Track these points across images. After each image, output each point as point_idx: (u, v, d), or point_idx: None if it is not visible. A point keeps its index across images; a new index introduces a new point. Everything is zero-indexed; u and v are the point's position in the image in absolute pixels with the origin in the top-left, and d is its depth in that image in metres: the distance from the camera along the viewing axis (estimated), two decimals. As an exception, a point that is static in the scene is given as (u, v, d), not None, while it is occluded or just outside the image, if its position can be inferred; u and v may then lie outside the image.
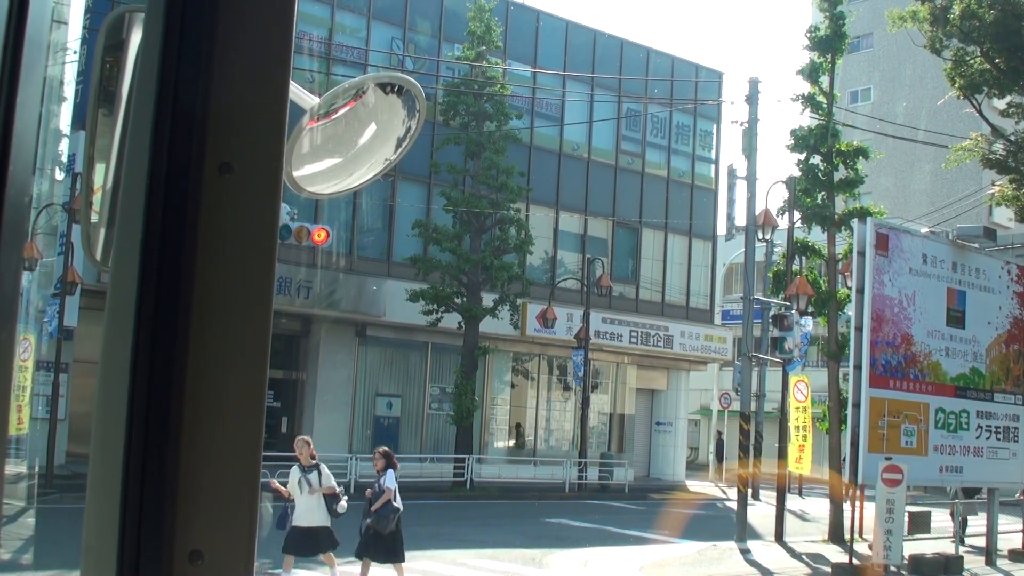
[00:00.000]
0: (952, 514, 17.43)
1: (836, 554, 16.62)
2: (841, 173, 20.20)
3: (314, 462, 11.05)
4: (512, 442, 31.26)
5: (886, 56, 47.92)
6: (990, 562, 16.38)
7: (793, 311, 19.86)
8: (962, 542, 17.34)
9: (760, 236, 20.52)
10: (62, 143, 27.29)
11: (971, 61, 21.07)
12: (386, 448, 11.72)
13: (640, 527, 19.75)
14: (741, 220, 21.69)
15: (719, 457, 37.69)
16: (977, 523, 18.90)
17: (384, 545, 11.05)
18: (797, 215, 20.38)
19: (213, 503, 1.06)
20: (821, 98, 20.23)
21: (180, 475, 1.05)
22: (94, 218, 1.29)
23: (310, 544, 11.12)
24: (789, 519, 20.59)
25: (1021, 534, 18.23)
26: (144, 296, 1.06)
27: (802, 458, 24.01)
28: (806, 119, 21.38)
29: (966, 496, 17.93)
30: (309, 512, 10.82)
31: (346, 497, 11.25)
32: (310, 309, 26.15)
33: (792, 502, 24.86)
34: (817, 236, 21.28)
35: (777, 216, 20.61)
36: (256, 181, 1.11)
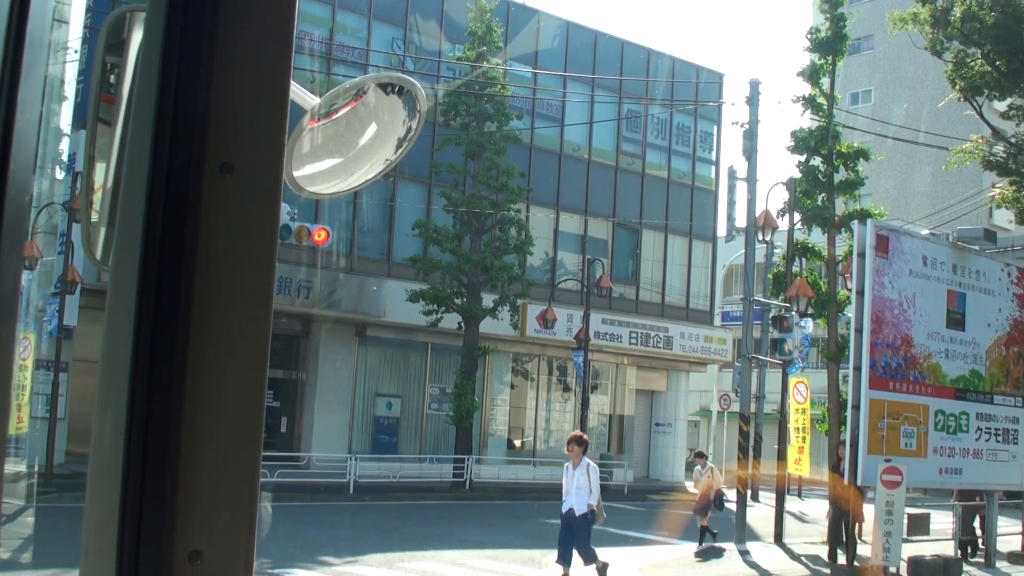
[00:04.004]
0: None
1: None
2: (841, 175, 20.21)
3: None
4: (512, 443, 31.25)
5: (887, 58, 47.92)
6: (989, 564, 16.38)
7: (793, 313, 19.84)
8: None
9: (760, 237, 20.51)
10: (62, 142, 27.30)
11: (972, 63, 21.08)
12: None
13: (639, 528, 19.72)
14: (741, 221, 21.69)
15: None
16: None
17: None
18: (797, 216, 20.38)
19: (213, 503, 1.06)
20: (822, 100, 20.25)
21: (180, 475, 1.05)
22: (94, 217, 1.29)
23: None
24: (788, 521, 20.58)
25: (1021, 536, 18.24)
26: (144, 296, 1.06)
27: (801, 460, 24.02)
28: (807, 121, 21.43)
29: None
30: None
31: None
32: (310, 309, 26.14)
33: (791, 504, 24.84)
34: (817, 238, 21.29)
35: (777, 217, 20.61)
36: (257, 181, 1.10)
